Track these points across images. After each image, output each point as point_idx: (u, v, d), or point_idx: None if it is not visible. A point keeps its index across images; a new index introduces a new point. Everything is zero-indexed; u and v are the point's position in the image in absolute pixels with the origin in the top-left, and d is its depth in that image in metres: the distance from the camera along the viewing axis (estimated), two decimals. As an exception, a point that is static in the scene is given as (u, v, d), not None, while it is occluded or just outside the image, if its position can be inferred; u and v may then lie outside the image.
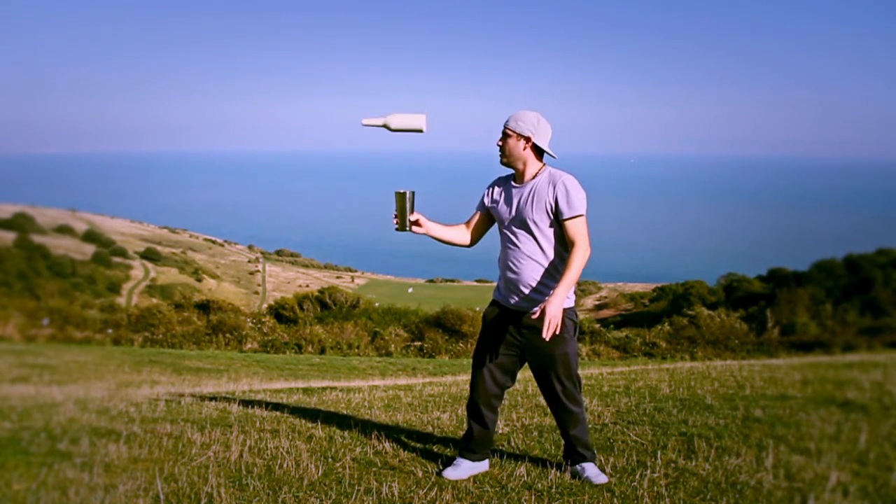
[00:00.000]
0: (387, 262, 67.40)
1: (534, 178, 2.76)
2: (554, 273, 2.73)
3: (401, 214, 2.78)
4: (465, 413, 2.94)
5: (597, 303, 46.58)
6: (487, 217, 2.93)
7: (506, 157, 2.78)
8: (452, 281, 55.67)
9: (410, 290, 51.47)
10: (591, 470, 2.80)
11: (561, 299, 2.57)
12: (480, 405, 2.87)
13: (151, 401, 5.14)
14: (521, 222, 2.74)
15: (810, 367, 6.19)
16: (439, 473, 2.88)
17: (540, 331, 2.60)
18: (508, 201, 2.80)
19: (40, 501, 2.65)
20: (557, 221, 2.70)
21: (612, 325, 23.91)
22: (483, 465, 2.93)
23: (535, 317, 2.59)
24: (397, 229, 2.80)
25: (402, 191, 2.76)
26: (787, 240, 79.91)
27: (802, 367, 6.37)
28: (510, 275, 2.78)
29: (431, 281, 57.69)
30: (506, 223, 2.80)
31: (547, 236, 2.73)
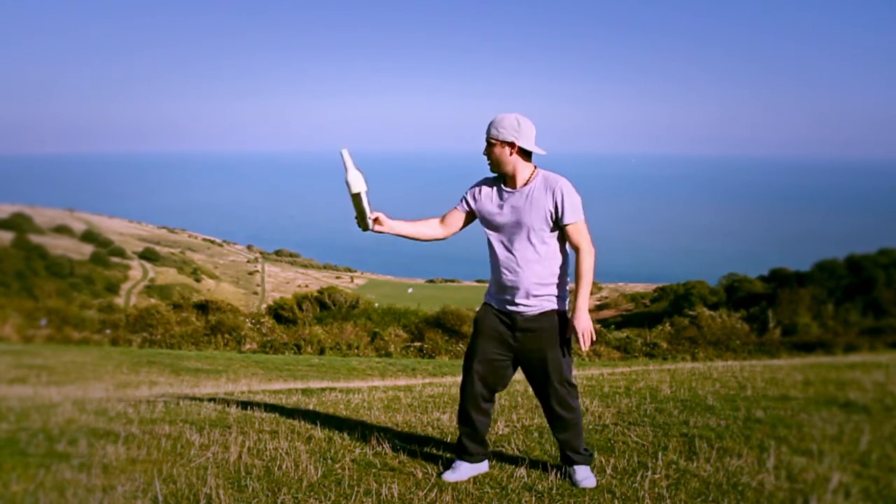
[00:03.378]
0: (386, 262, 67.41)
1: (527, 183, 2.74)
2: (551, 275, 2.74)
3: (360, 215, 2.74)
4: (458, 418, 2.93)
5: (597, 303, 46.58)
6: (469, 215, 2.90)
7: (494, 166, 2.78)
8: (452, 281, 55.70)
9: (410, 290, 51.48)
10: (580, 473, 2.79)
11: (586, 309, 2.70)
12: (470, 409, 2.85)
13: (150, 401, 5.13)
14: (520, 229, 2.73)
15: (812, 368, 6.17)
16: (439, 475, 2.87)
17: (534, 334, 2.69)
18: (502, 206, 2.77)
19: (38, 502, 2.64)
20: (556, 226, 2.72)
21: (612, 326, 23.90)
22: (483, 467, 2.92)
23: (567, 335, 2.72)
24: (361, 229, 2.78)
25: (355, 191, 2.70)
26: (788, 240, 79.91)
27: (804, 367, 6.34)
28: (506, 279, 2.77)
29: (431, 281, 57.71)
30: (500, 228, 2.77)
31: (544, 241, 2.73)
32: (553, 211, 2.69)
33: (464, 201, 2.89)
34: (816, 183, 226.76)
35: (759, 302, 25.13)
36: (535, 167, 2.79)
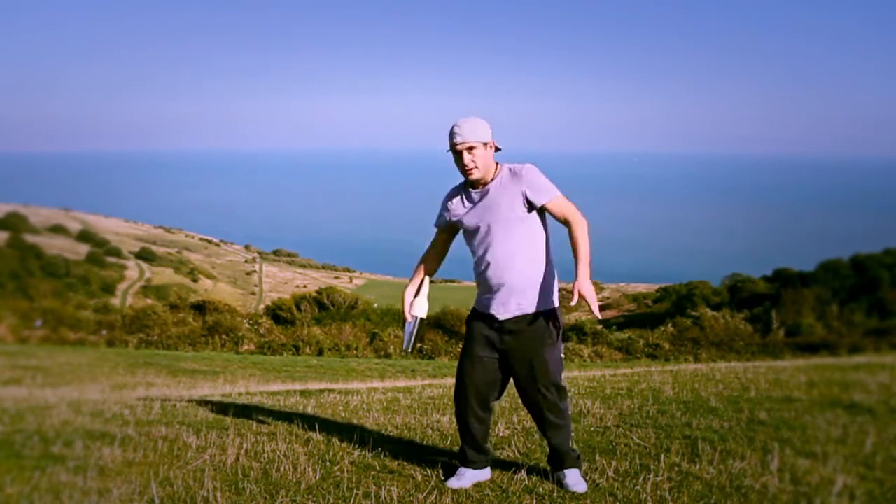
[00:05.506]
0: (385, 262, 67.38)
1: (493, 178, 2.71)
2: (534, 272, 2.69)
3: (411, 337, 2.88)
4: (458, 425, 2.88)
5: (599, 303, 46.31)
6: (451, 233, 2.89)
7: (481, 172, 2.69)
8: (452, 281, 55.58)
9: (409, 290, 51.31)
10: (570, 477, 2.75)
11: (587, 275, 2.58)
12: (467, 418, 2.80)
13: (146, 403, 5.10)
14: (497, 226, 2.68)
15: (816, 369, 6.15)
16: (441, 480, 2.84)
17: (519, 336, 2.67)
18: (476, 208, 2.72)
19: (32, 506, 2.60)
20: (531, 210, 2.68)
21: (614, 327, 23.87)
22: (486, 474, 2.87)
23: (573, 303, 2.63)
24: (404, 350, 2.94)
25: (421, 315, 2.87)
26: (792, 240, 79.80)
27: (808, 368, 6.33)
28: (491, 281, 2.71)
29: (432, 281, 57.58)
30: (479, 230, 2.71)
31: (524, 235, 2.68)
32: (525, 197, 2.65)
33: (442, 222, 2.86)
34: (820, 182, 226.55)
35: (762, 302, 25.12)
36: (497, 162, 2.77)
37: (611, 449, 3.22)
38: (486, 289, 2.74)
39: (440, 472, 2.92)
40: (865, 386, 4.75)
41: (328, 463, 3.06)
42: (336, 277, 59.91)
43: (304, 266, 66.20)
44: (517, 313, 2.69)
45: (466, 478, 2.81)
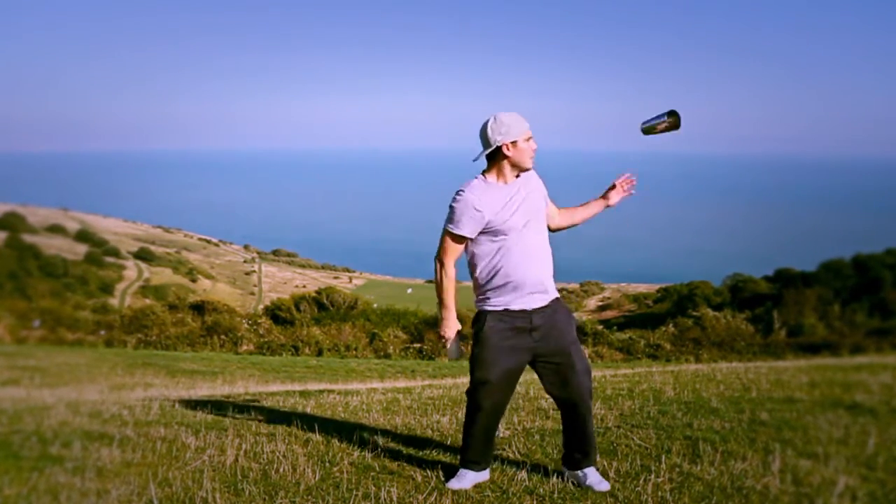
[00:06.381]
0: (385, 262, 67.37)
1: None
2: (551, 260, 2.79)
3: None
4: (466, 428, 2.83)
5: (600, 304, 46.57)
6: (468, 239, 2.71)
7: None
8: (451, 281, 55.58)
9: (409, 290, 51.48)
10: (593, 476, 2.74)
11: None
12: (486, 424, 2.78)
13: (145, 404, 5.08)
14: (533, 218, 2.69)
15: (818, 370, 6.13)
16: (442, 481, 2.83)
17: (552, 324, 2.67)
18: (524, 204, 2.65)
19: (29, 507, 2.59)
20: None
21: (615, 327, 23.78)
22: (485, 475, 2.87)
23: (628, 190, 2.99)
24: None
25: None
26: (794, 239, 79.72)
27: (810, 369, 6.31)
28: (525, 275, 2.65)
29: (431, 281, 57.53)
30: (516, 225, 2.63)
31: (545, 225, 2.80)
32: (543, 190, 2.80)
33: (470, 229, 2.63)
34: (820, 182, 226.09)
35: (763, 302, 25.08)
36: None
37: (612, 450, 3.21)
38: (518, 287, 2.65)
39: (440, 472, 2.91)
40: (867, 386, 4.73)
41: (327, 464, 3.05)
42: (335, 277, 59.88)
43: (303, 266, 66.16)
44: (547, 301, 2.71)
45: (467, 479, 2.80)
